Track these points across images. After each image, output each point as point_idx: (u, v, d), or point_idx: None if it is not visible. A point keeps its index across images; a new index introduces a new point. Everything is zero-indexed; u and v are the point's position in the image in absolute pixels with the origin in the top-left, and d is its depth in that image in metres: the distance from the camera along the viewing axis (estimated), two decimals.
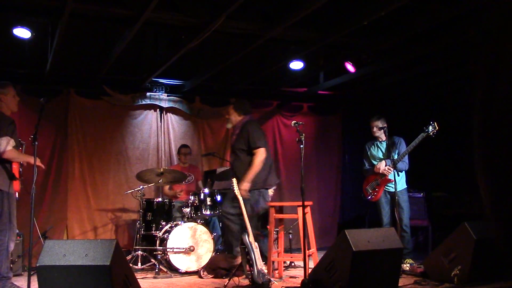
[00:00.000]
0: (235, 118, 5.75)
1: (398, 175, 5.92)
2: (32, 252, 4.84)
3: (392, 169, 5.96)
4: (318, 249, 5.58)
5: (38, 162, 4.78)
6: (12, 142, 4.79)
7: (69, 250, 3.57)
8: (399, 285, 4.52)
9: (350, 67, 7.08)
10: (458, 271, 4.62)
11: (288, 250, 6.65)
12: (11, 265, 5.70)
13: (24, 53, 6.61)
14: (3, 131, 4.76)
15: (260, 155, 5.41)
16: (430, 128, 5.69)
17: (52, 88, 7.22)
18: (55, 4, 5.08)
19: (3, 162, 4.83)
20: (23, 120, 6.84)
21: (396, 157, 5.99)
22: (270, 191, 5.62)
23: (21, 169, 5.11)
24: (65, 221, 7.15)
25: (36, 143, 4.69)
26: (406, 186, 6.25)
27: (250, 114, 5.85)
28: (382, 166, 6.13)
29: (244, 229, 5.00)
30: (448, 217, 7.39)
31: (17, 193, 4.98)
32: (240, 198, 5.26)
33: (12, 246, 4.96)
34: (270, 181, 5.57)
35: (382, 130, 6.18)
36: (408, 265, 5.64)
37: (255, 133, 5.52)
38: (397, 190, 5.79)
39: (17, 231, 5.53)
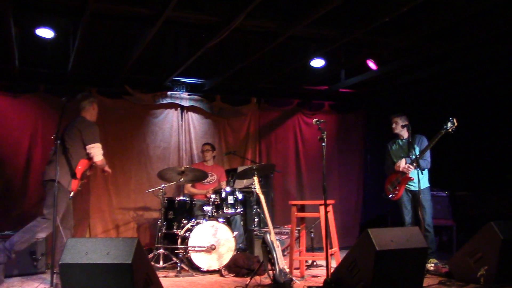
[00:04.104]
0: None
1: (422, 174, 5.80)
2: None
3: (412, 167, 5.86)
4: (340, 248, 5.52)
5: (107, 168, 5.59)
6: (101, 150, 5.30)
7: (91, 248, 3.57)
8: (424, 285, 4.45)
9: (372, 64, 7.01)
10: (484, 272, 4.53)
11: (310, 249, 6.61)
12: (35, 263, 5.79)
13: (47, 53, 6.68)
14: (95, 138, 5.20)
15: None
16: (449, 124, 5.60)
17: (74, 87, 7.27)
18: (76, 4, 5.12)
19: (70, 160, 5.10)
20: (46, 119, 6.94)
21: (417, 154, 5.87)
22: None
23: (87, 172, 5.38)
24: (87, 220, 7.22)
25: (59, 141, 4.76)
26: (428, 185, 6.12)
27: None
28: (402, 164, 6.03)
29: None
30: (473, 217, 7.26)
31: (72, 192, 5.13)
32: (262, 197, 5.25)
33: (41, 235, 5.20)
34: None
35: (405, 128, 6.07)
36: (433, 265, 5.56)
37: None
38: (420, 188, 5.68)
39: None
